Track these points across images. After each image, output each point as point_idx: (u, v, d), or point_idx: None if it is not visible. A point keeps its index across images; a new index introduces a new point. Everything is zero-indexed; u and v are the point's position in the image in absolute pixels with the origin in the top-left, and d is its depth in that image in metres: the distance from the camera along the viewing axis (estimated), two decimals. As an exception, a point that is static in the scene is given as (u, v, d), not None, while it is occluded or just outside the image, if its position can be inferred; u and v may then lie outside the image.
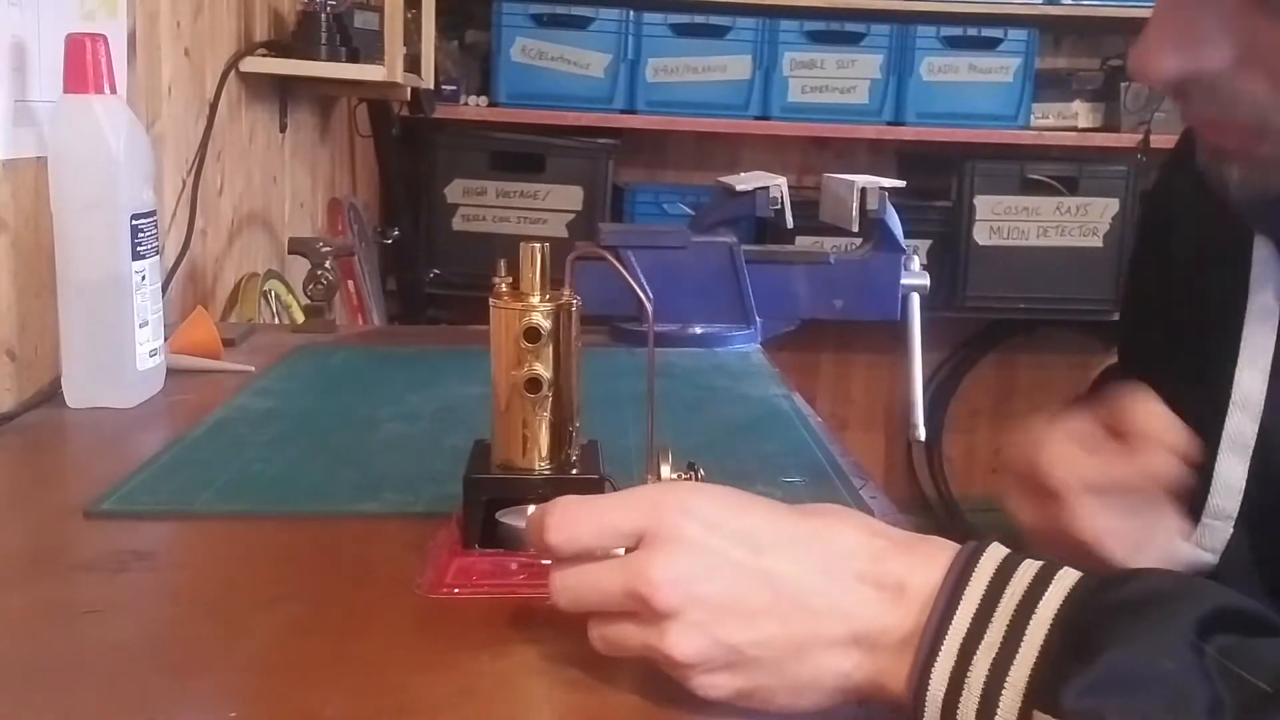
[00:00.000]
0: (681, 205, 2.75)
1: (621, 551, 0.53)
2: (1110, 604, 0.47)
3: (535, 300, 0.67)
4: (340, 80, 1.93)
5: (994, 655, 0.47)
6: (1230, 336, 0.70)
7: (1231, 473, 0.70)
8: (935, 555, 0.52)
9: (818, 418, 1.06)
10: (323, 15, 1.83)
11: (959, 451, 3.37)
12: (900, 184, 1.39)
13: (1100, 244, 2.95)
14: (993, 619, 0.48)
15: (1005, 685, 0.47)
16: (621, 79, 2.87)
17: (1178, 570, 0.66)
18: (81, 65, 0.96)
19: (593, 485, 0.68)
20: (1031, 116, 3.00)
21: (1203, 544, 0.71)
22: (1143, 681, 0.44)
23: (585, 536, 0.54)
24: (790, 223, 1.43)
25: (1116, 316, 1.02)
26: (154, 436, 0.94)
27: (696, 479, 0.64)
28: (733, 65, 2.89)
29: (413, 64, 2.13)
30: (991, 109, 2.94)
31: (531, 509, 0.67)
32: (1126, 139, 2.89)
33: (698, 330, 1.35)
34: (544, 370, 0.67)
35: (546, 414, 0.68)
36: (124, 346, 1.00)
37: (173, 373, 1.08)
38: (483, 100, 2.89)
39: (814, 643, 0.51)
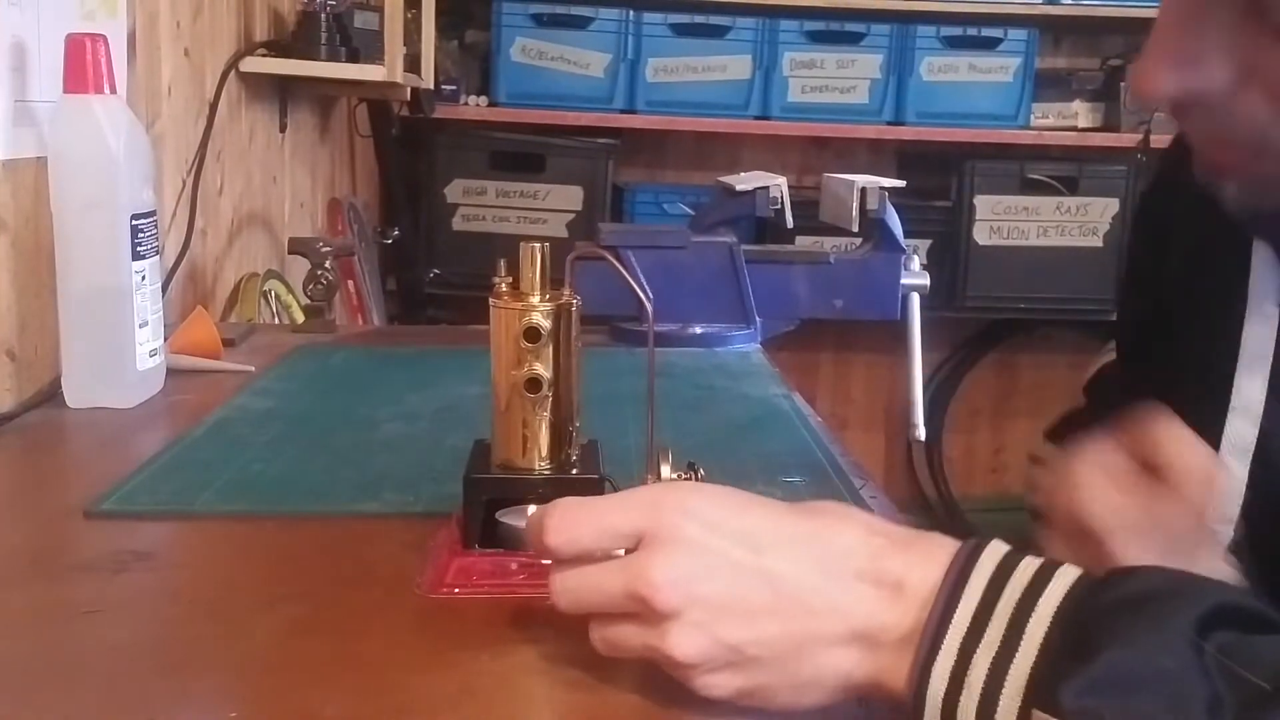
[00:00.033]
0: (681, 205, 2.74)
1: (622, 553, 0.53)
2: (1110, 602, 0.47)
3: (535, 300, 0.67)
4: (340, 80, 1.93)
5: (994, 653, 0.47)
6: (1229, 339, 0.70)
7: (1232, 475, 0.70)
8: (934, 552, 0.52)
9: (818, 417, 1.06)
10: (323, 15, 1.83)
11: (959, 451, 3.37)
12: (900, 184, 1.39)
13: (1100, 244, 2.95)
14: (993, 617, 0.48)
15: (1005, 684, 0.47)
16: (621, 79, 2.87)
17: None
18: (81, 65, 0.96)
19: (593, 485, 0.68)
20: (1031, 116, 3.00)
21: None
22: (1142, 680, 0.44)
23: (585, 538, 0.54)
24: (790, 223, 1.43)
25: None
26: (154, 436, 0.94)
27: (696, 479, 0.64)
28: (733, 65, 2.89)
29: (413, 64, 2.13)
30: (991, 109, 2.94)
31: (531, 509, 0.67)
32: (1126, 139, 2.89)
33: (698, 330, 1.35)
34: (544, 370, 0.67)
35: (546, 414, 0.68)
36: (124, 346, 1.00)
37: (173, 373, 1.08)
38: (483, 100, 2.89)
39: (814, 641, 0.51)
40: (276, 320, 1.68)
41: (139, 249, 1.00)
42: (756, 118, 2.91)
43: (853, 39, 2.91)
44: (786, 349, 1.65)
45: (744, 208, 1.42)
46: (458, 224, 2.86)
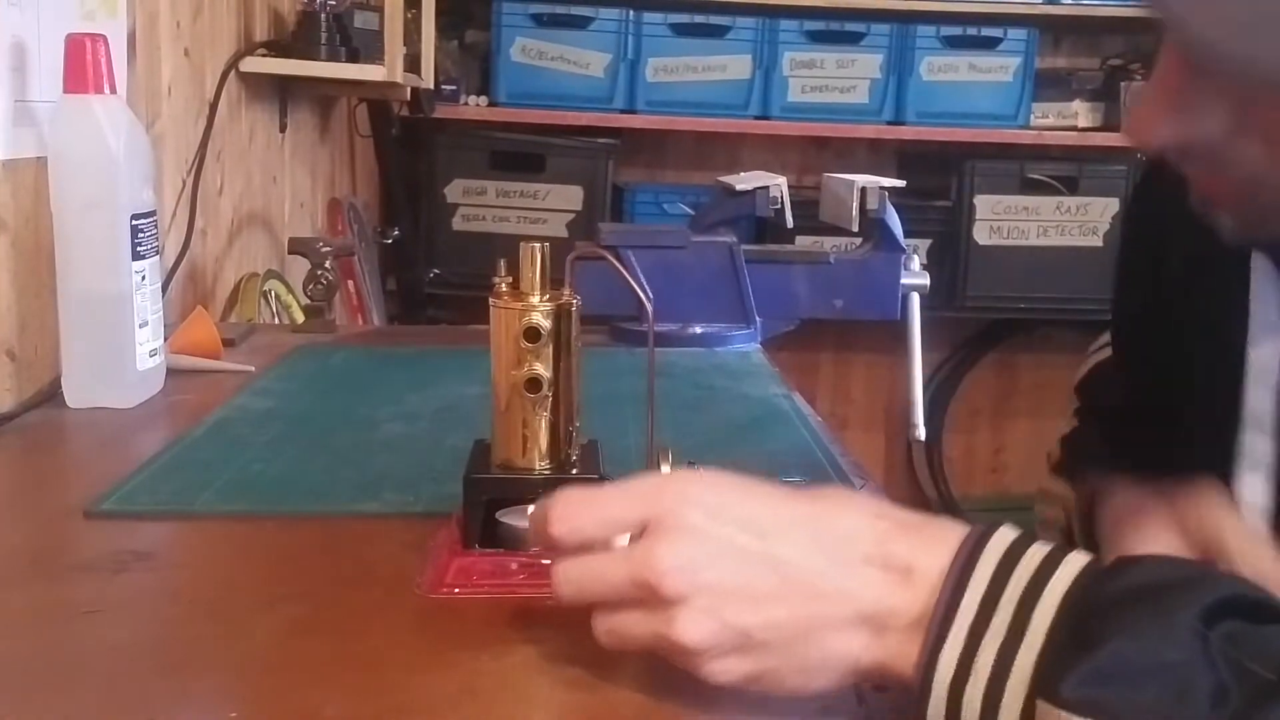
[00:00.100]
0: (681, 205, 2.74)
1: (625, 543, 0.53)
2: (1115, 592, 0.47)
3: (535, 300, 0.67)
4: (340, 80, 1.93)
5: (1000, 643, 0.48)
6: (1233, 349, 0.69)
7: (1254, 491, 0.69)
8: (943, 537, 0.52)
9: (818, 417, 1.06)
10: (323, 15, 1.83)
11: (959, 451, 3.37)
12: (900, 184, 1.39)
13: (1100, 244, 2.95)
14: (999, 606, 0.48)
15: (1011, 673, 0.47)
16: (621, 79, 2.87)
17: None
18: (81, 65, 0.96)
19: (593, 485, 0.68)
20: (1031, 116, 3.00)
21: None
22: (1146, 671, 0.44)
23: (588, 527, 0.54)
24: (790, 222, 1.43)
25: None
26: (154, 436, 0.94)
27: (697, 477, 0.63)
28: (733, 65, 2.89)
29: (413, 64, 2.13)
30: (991, 109, 2.94)
31: (532, 509, 0.67)
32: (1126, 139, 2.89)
33: (698, 330, 1.35)
34: (544, 370, 0.67)
35: (546, 414, 0.68)
36: (124, 346, 1.00)
37: (173, 373, 1.08)
38: (483, 100, 2.89)
39: (822, 625, 0.51)
40: (276, 320, 1.68)
41: (139, 249, 1.00)
42: (756, 118, 2.91)
43: (853, 39, 2.91)
44: (786, 349, 1.65)
45: (744, 208, 1.42)
46: (458, 224, 2.86)
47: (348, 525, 0.76)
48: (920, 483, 3.34)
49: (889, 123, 2.94)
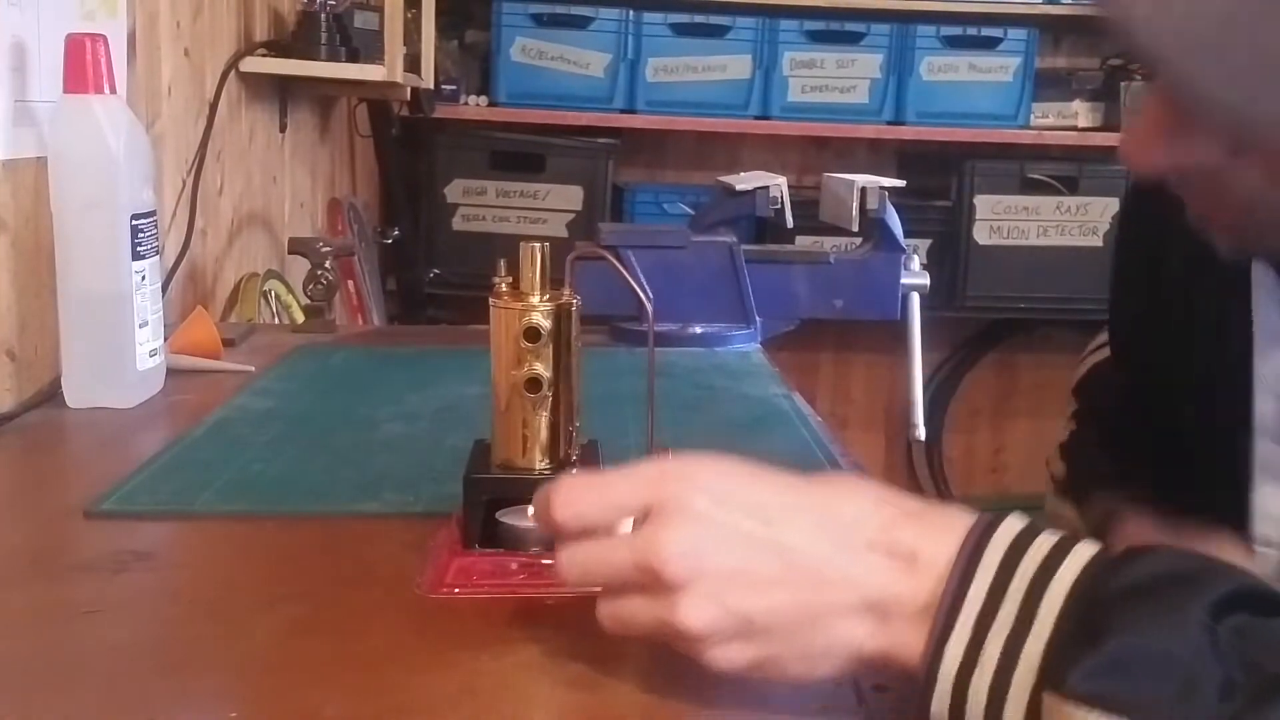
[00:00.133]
0: (681, 205, 2.75)
1: (629, 528, 0.53)
2: (1124, 584, 0.46)
3: (535, 300, 0.67)
4: (340, 80, 1.93)
5: (1007, 634, 0.47)
6: (1236, 355, 0.69)
7: (1272, 500, 0.69)
8: (949, 524, 0.51)
9: (818, 417, 1.06)
10: (323, 15, 1.83)
11: (959, 451, 3.37)
12: (900, 183, 1.39)
13: (1100, 244, 2.95)
14: (1006, 595, 0.48)
15: (1018, 664, 0.47)
16: (621, 79, 2.87)
17: None
18: (81, 65, 0.96)
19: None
20: (1031, 116, 3.00)
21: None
22: (1154, 664, 0.44)
23: (591, 512, 0.53)
24: (790, 222, 1.43)
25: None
26: (154, 436, 0.94)
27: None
28: (733, 65, 2.89)
29: (413, 64, 2.13)
30: (991, 108, 2.94)
31: (532, 509, 0.67)
32: (1127, 137, 2.88)
33: (698, 330, 1.35)
34: (544, 370, 0.67)
35: (546, 414, 0.68)
36: (124, 346, 1.00)
37: (173, 373, 1.08)
38: (483, 100, 2.89)
39: (827, 611, 0.50)
40: (276, 320, 1.68)
41: (139, 249, 1.00)
42: (756, 117, 2.91)
43: (853, 39, 2.91)
44: (786, 349, 1.65)
45: (744, 208, 1.42)
46: (458, 224, 2.86)
47: (348, 525, 0.76)
48: (920, 483, 3.34)
49: (889, 123, 2.94)
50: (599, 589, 0.54)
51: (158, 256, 1.04)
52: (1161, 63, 0.52)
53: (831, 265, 1.38)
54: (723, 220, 1.42)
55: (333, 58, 1.84)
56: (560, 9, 2.83)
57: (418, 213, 2.83)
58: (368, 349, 1.32)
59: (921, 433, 1.49)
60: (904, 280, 1.39)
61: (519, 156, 2.85)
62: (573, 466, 0.69)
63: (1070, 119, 3.08)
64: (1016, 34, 2.92)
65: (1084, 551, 0.49)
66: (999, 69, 2.94)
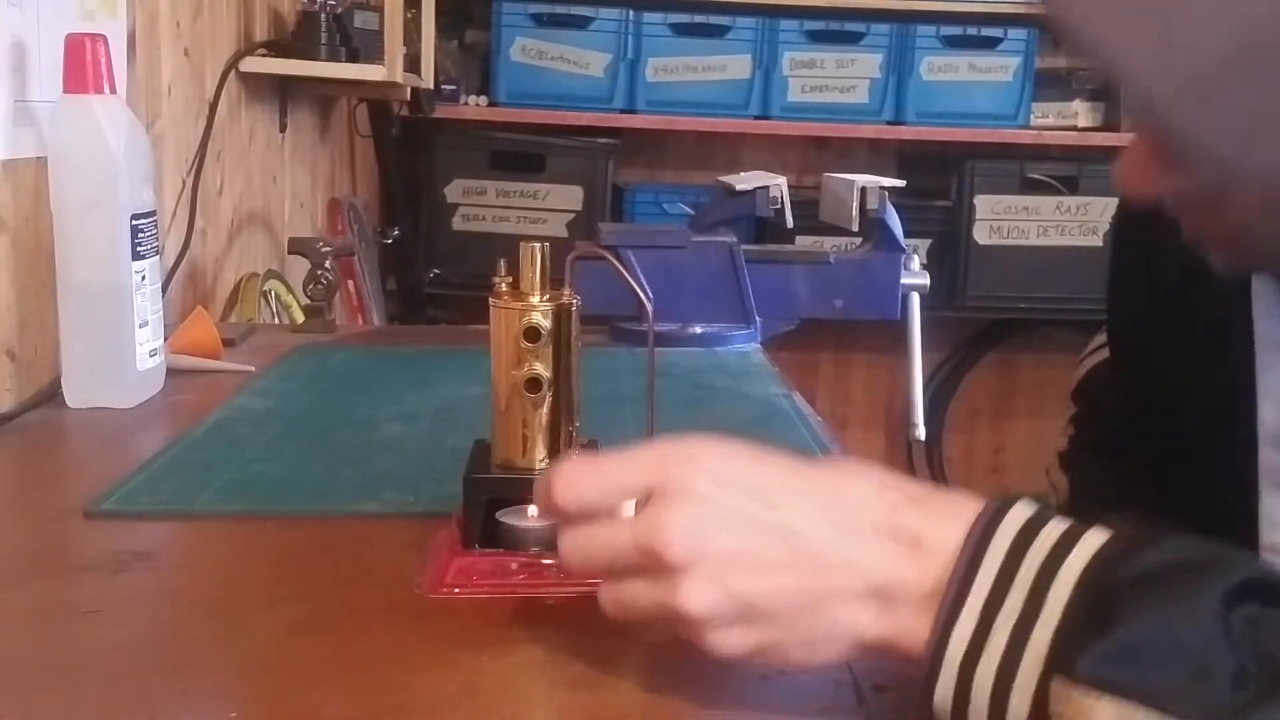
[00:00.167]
0: (681, 205, 2.75)
1: (631, 511, 0.53)
2: (1135, 572, 0.46)
3: (535, 300, 0.67)
4: (340, 80, 1.93)
5: (1014, 621, 0.47)
6: (1239, 365, 0.68)
7: (1278, 507, 0.68)
8: (954, 510, 0.51)
9: (818, 417, 1.06)
10: (323, 15, 1.83)
11: (959, 451, 3.37)
12: (900, 183, 1.39)
13: (1100, 243, 2.94)
14: (1014, 583, 0.48)
15: (1025, 652, 0.46)
16: (621, 79, 2.87)
17: None
18: (81, 65, 0.96)
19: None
20: (1031, 116, 3.00)
21: None
22: (1166, 652, 0.44)
23: (592, 494, 0.53)
24: (790, 222, 1.43)
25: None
26: (154, 436, 0.94)
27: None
28: (732, 65, 2.89)
29: (413, 64, 2.13)
30: (991, 108, 2.94)
31: (532, 509, 0.67)
32: (1126, 138, 2.84)
33: (698, 330, 1.35)
34: (544, 370, 0.67)
35: (546, 414, 0.68)
36: (124, 346, 1.00)
37: (173, 373, 1.08)
38: (483, 100, 2.89)
39: (830, 595, 0.50)
40: (276, 320, 1.68)
41: (139, 249, 1.00)
42: (756, 117, 2.91)
43: (853, 39, 2.91)
44: (786, 349, 1.65)
45: (744, 208, 1.42)
46: (458, 224, 2.86)
47: (348, 525, 0.76)
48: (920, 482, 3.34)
49: (889, 123, 2.94)
50: (598, 589, 0.53)
51: (158, 256, 1.04)
52: (1155, 111, 0.52)
53: (831, 265, 1.39)
54: (723, 220, 1.42)
55: (333, 58, 1.84)
56: (560, 9, 2.83)
57: (418, 213, 2.83)
58: (368, 349, 1.32)
59: (921, 432, 1.50)
60: (904, 280, 1.39)
61: (519, 156, 2.85)
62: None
63: (1070, 119, 3.08)
64: (1016, 34, 2.92)
65: (1094, 539, 0.48)
66: (999, 69, 2.94)
